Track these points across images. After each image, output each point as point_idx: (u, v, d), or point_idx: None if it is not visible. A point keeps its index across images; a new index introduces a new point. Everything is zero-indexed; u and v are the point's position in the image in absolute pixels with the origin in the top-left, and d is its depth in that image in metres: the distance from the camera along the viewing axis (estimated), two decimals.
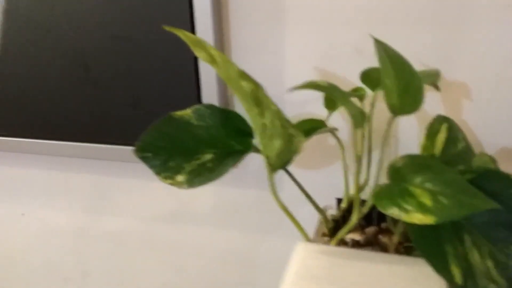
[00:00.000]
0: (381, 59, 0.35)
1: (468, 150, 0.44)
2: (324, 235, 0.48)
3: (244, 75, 0.32)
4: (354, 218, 0.41)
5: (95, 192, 0.79)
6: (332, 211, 0.52)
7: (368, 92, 0.47)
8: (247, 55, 0.60)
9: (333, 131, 0.45)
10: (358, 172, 0.42)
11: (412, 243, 0.34)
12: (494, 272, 0.32)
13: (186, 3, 0.57)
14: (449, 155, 0.43)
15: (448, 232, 0.34)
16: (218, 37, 0.59)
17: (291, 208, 0.66)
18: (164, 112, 0.66)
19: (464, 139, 0.45)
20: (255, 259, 0.73)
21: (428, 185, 0.34)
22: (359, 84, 0.48)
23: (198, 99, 0.63)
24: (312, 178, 0.64)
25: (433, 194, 0.33)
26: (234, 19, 0.59)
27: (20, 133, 0.75)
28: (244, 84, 0.33)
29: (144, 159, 0.42)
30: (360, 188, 0.49)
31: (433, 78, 0.42)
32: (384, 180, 0.38)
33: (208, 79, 0.61)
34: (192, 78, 0.62)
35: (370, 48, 0.54)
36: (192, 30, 0.59)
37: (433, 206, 0.32)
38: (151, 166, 0.42)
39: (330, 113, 0.52)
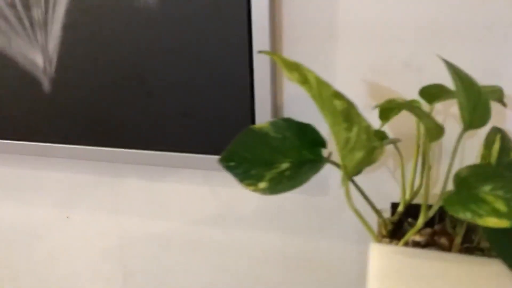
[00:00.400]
0: (453, 79, 0.39)
1: None
2: (383, 237, 0.52)
3: (338, 95, 0.36)
4: (421, 221, 0.45)
5: (141, 196, 0.82)
6: (387, 215, 0.56)
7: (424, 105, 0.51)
8: None
9: (396, 142, 0.49)
10: (427, 178, 0.46)
11: (489, 244, 0.37)
12: None
13: (244, 20, 0.61)
14: (503, 163, 0.47)
15: None
16: (273, 64, 0.63)
17: (340, 206, 0.70)
18: (215, 122, 0.70)
19: None
20: (298, 260, 0.77)
21: (500, 192, 0.38)
22: (406, 96, 0.52)
23: (252, 114, 0.66)
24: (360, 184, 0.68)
25: (506, 200, 0.37)
26: (287, 36, 0.63)
27: (73, 140, 0.79)
28: (337, 103, 0.37)
29: (229, 168, 0.45)
30: (415, 193, 0.53)
31: (498, 94, 0.46)
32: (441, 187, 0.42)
33: (262, 95, 0.65)
34: (246, 92, 0.65)
35: (416, 62, 0.58)
36: (250, 46, 0.63)
37: (507, 211, 0.36)
38: (235, 174, 0.46)
39: (382, 124, 0.56)
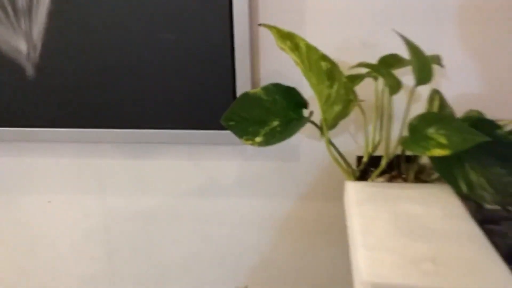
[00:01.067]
0: (407, 46, 0.51)
1: (453, 112, 0.61)
2: None
3: (324, 57, 0.47)
4: (384, 163, 0.57)
5: (127, 175, 0.88)
6: (353, 166, 0.67)
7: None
8: (273, 50, 0.74)
9: (362, 100, 0.61)
10: (387, 130, 0.57)
11: (434, 168, 0.50)
12: (486, 185, 0.49)
13: (226, 6, 0.70)
14: (443, 115, 0.60)
15: (454, 161, 0.51)
16: (251, 40, 0.72)
17: (310, 170, 0.81)
18: (198, 99, 0.78)
19: (449, 106, 0.62)
20: (274, 221, 0.87)
21: (441, 131, 0.50)
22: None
23: (233, 91, 0.75)
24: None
25: (446, 136, 0.49)
26: (263, 20, 0.73)
27: (56, 124, 0.82)
28: (323, 63, 0.47)
29: (229, 126, 0.54)
30: (376, 146, 0.65)
31: (437, 60, 0.59)
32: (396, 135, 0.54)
33: (242, 72, 0.74)
34: (228, 69, 0.74)
35: (372, 41, 0.71)
36: (231, 28, 0.71)
37: (447, 143, 0.49)
38: (235, 132, 0.54)
39: None
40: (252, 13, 0.73)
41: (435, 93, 0.61)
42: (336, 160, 0.56)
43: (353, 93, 0.49)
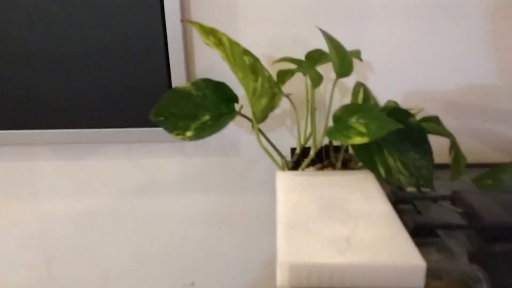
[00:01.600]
0: (327, 41, 0.54)
1: (376, 103, 0.66)
2: None
3: (246, 52, 0.48)
4: (312, 153, 0.59)
5: (62, 177, 0.85)
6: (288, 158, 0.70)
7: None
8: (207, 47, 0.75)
9: (290, 94, 0.63)
10: (313, 122, 0.60)
11: (355, 156, 0.53)
12: (402, 169, 0.53)
13: (157, 5, 0.70)
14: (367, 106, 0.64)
15: (374, 148, 0.54)
16: (184, 35, 0.72)
17: (250, 164, 0.82)
18: (134, 96, 0.77)
19: (374, 97, 0.66)
20: (217, 216, 0.87)
21: (361, 120, 0.54)
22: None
23: (169, 86, 0.75)
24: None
25: (365, 124, 0.52)
26: (196, 17, 0.73)
27: None
28: (246, 58, 0.48)
29: (159, 122, 0.54)
30: (307, 138, 0.68)
31: (357, 54, 0.63)
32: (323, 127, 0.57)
33: (177, 67, 0.74)
34: (162, 65, 0.74)
35: (302, 38, 0.73)
36: (163, 24, 0.71)
37: (366, 131, 0.52)
38: (165, 127, 0.54)
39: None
40: (184, 9, 0.73)
41: (359, 85, 0.65)
42: (266, 151, 0.58)
43: (277, 86, 0.51)
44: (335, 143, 0.65)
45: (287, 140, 0.80)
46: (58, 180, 0.85)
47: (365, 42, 0.73)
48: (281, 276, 0.36)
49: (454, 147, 0.56)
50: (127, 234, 0.89)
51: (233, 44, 0.48)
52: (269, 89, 0.51)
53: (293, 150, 0.69)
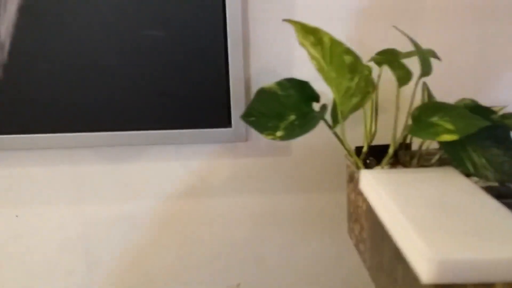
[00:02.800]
0: (411, 41, 0.55)
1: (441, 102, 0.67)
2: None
3: (348, 51, 0.48)
4: (391, 150, 0.60)
5: (107, 180, 0.82)
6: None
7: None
8: (262, 47, 0.75)
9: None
10: (395, 121, 0.61)
11: (446, 153, 0.54)
12: (487, 165, 0.55)
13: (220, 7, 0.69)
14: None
15: (458, 145, 0.55)
16: (244, 37, 0.72)
17: (301, 164, 0.82)
18: (191, 99, 0.76)
19: (434, 96, 0.68)
20: (266, 217, 0.87)
21: (446, 118, 0.55)
22: None
23: (227, 87, 0.74)
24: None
25: (452, 122, 0.54)
26: (253, 16, 0.73)
27: (27, 130, 0.75)
28: (347, 57, 0.49)
29: (251, 122, 0.54)
30: (373, 137, 0.69)
31: (433, 53, 0.64)
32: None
33: (236, 70, 0.73)
34: (222, 68, 0.73)
35: (358, 38, 0.74)
36: (224, 28, 0.70)
37: (454, 128, 0.53)
38: (256, 127, 0.54)
39: None
40: (243, 8, 0.73)
41: (424, 85, 0.66)
42: (350, 151, 0.59)
43: (373, 85, 0.51)
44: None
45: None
46: (103, 184, 0.83)
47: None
48: (429, 272, 0.37)
49: None
50: (172, 237, 0.87)
51: (335, 43, 0.48)
52: (364, 87, 0.51)
53: (358, 148, 0.69)
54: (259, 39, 0.75)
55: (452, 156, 0.54)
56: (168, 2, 0.69)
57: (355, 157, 0.60)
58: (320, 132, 0.82)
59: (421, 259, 0.37)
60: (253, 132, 0.81)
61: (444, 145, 0.54)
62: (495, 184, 0.56)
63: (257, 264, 0.90)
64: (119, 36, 0.71)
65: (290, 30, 0.74)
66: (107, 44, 0.71)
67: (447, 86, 0.78)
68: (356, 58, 0.49)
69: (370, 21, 0.74)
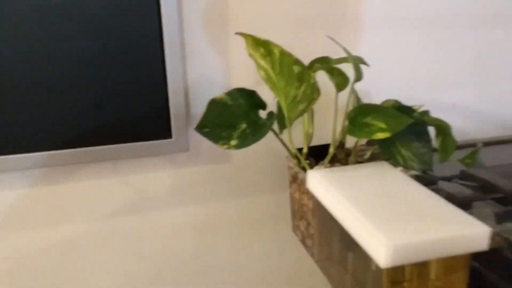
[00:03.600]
0: (344, 50, 0.61)
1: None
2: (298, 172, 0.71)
3: (297, 62, 0.52)
4: (331, 149, 0.66)
5: (37, 204, 0.75)
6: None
7: None
8: (198, 56, 0.75)
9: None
10: (334, 122, 0.66)
11: (379, 148, 0.61)
12: (412, 157, 0.63)
13: (155, 16, 0.68)
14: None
15: (389, 141, 0.63)
16: (181, 45, 0.72)
17: (241, 170, 0.85)
18: (126, 112, 0.73)
19: (360, 99, 0.76)
20: (209, 225, 0.88)
21: (379, 118, 0.62)
22: None
23: (166, 99, 0.73)
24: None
25: (384, 121, 0.61)
26: (188, 29, 0.73)
27: None
28: (296, 67, 0.52)
29: (205, 133, 0.54)
30: (310, 138, 0.74)
31: (362, 60, 0.71)
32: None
33: (174, 80, 0.73)
34: (159, 79, 0.72)
35: (291, 46, 0.79)
36: (161, 34, 0.69)
37: (386, 127, 0.60)
38: (210, 138, 0.55)
39: None
40: (179, 16, 0.72)
41: (353, 89, 0.74)
42: (298, 153, 0.63)
43: (318, 91, 0.56)
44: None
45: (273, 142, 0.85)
46: (33, 209, 0.75)
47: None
48: (386, 256, 0.42)
49: (442, 134, 0.68)
50: (114, 257, 0.83)
51: (285, 55, 0.51)
52: (310, 94, 0.55)
53: (299, 150, 0.74)
54: (194, 49, 0.75)
55: (385, 151, 0.61)
56: (101, 11, 0.66)
57: (302, 159, 0.64)
58: None
59: (378, 246, 0.42)
60: (194, 141, 0.81)
61: (377, 142, 0.61)
62: (418, 173, 0.65)
63: (204, 275, 0.90)
64: (47, 48, 0.65)
65: (226, 38, 0.76)
66: (34, 57, 0.65)
67: (372, 89, 0.88)
68: (304, 68, 0.53)
69: (301, 29, 0.79)
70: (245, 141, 0.56)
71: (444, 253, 0.43)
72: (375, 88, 0.88)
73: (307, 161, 0.72)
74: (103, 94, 0.71)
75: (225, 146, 0.55)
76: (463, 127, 1.01)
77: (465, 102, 0.98)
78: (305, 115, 0.74)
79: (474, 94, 0.98)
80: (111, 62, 0.70)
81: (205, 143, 0.82)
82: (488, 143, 0.85)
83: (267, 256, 0.92)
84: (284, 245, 0.93)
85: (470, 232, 0.44)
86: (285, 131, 0.66)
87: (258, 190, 0.88)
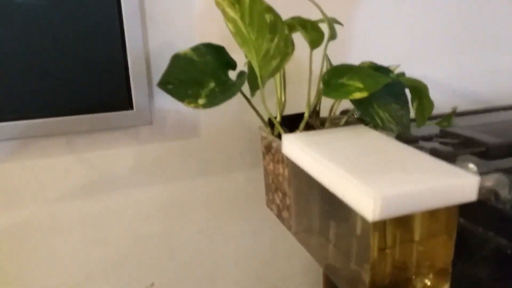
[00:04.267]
0: (319, 8, 0.57)
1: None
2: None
3: (269, 9, 0.47)
4: (306, 114, 0.62)
5: None
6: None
7: None
8: (159, 21, 0.69)
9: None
10: (309, 86, 0.62)
11: (357, 110, 0.58)
12: (390, 119, 0.60)
13: None
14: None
15: (367, 102, 0.60)
16: (140, 5, 0.66)
17: (209, 151, 0.79)
18: (81, 80, 0.66)
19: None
20: (177, 205, 0.82)
21: (355, 78, 0.58)
22: None
23: (125, 69, 0.66)
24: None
25: (361, 80, 0.57)
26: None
27: None
28: (267, 16, 0.48)
29: (169, 90, 0.49)
30: (284, 106, 0.70)
31: (335, 20, 0.67)
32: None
33: (134, 46, 0.66)
34: (118, 44, 0.65)
35: None
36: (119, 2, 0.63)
37: (363, 86, 0.57)
38: (175, 95, 0.49)
39: None
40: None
41: (325, 54, 0.70)
42: (272, 118, 0.58)
43: (292, 45, 0.51)
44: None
45: (248, 114, 0.81)
46: None
47: None
48: (374, 209, 0.38)
49: (418, 96, 0.66)
50: (72, 243, 0.75)
51: (256, 1, 0.47)
52: (284, 48, 0.51)
53: (270, 120, 0.70)
54: (155, 12, 0.69)
55: (364, 112, 0.57)
56: None
57: (277, 124, 0.60)
58: (227, 110, 0.80)
59: (365, 199, 0.39)
60: (158, 114, 0.75)
61: (355, 103, 0.58)
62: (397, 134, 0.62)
63: (171, 259, 0.84)
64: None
65: (189, 1, 0.70)
66: None
67: (346, 51, 0.85)
68: (277, 17, 0.48)
69: None
70: (214, 100, 0.51)
71: (432, 205, 0.40)
72: (349, 51, 0.86)
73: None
74: (54, 59, 0.63)
75: (192, 105, 0.50)
76: (434, 101, 1.01)
77: (436, 75, 0.97)
78: (278, 81, 0.70)
79: (445, 67, 0.97)
80: (63, 22, 0.62)
81: (171, 116, 0.76)
82: (460, 114, 0.85)
83: (240, 238, 0.88)
84: (259, 225, 0.88)
85: (459, 182, 0.41)
86: (256, 99, 0.62)
87: (229, 167, 0.83)
